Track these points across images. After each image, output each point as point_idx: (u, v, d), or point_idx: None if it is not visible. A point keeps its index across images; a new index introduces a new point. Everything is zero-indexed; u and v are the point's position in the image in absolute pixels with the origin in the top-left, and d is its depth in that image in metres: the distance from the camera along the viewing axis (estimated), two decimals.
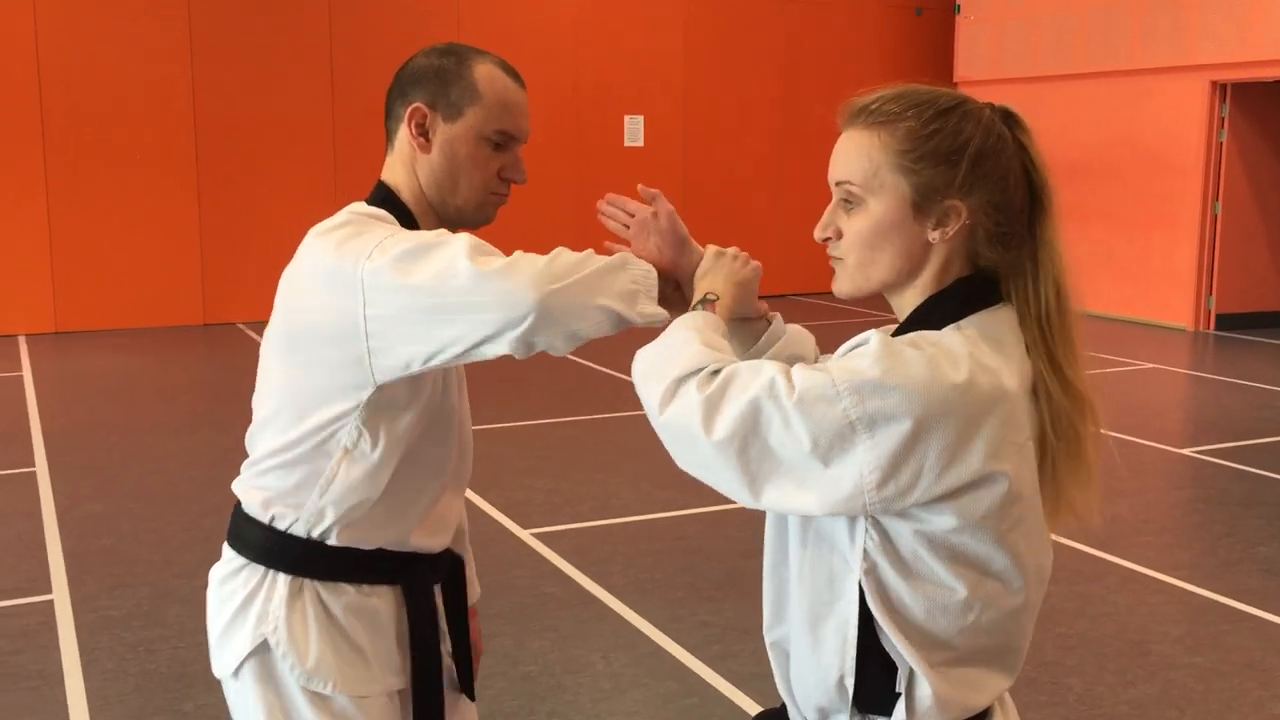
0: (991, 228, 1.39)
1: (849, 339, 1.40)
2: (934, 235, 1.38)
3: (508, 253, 1.69)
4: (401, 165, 1.86)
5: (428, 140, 1.82)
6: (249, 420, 1.83)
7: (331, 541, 1.73)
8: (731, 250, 1.67)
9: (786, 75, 12.79)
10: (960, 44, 12.42)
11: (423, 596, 1.82)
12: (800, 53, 12.83)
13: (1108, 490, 5.67)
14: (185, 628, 3.99)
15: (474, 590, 2.12)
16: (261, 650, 1.72)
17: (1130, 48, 10.87)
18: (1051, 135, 11.46)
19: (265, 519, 1.75)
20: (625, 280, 1.62)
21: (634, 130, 12.42)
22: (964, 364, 1.30)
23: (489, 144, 1.86)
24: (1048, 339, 1.38)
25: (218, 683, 1.83)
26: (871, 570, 1.33)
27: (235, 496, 1.84)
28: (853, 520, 1.33)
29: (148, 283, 10.61)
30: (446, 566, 1.90)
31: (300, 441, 1.71)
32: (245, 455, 1.84)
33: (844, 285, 1.43)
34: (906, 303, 1.43)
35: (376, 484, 1.72)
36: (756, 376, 1.31)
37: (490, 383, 8.50)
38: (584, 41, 11.97)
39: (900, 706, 1.35)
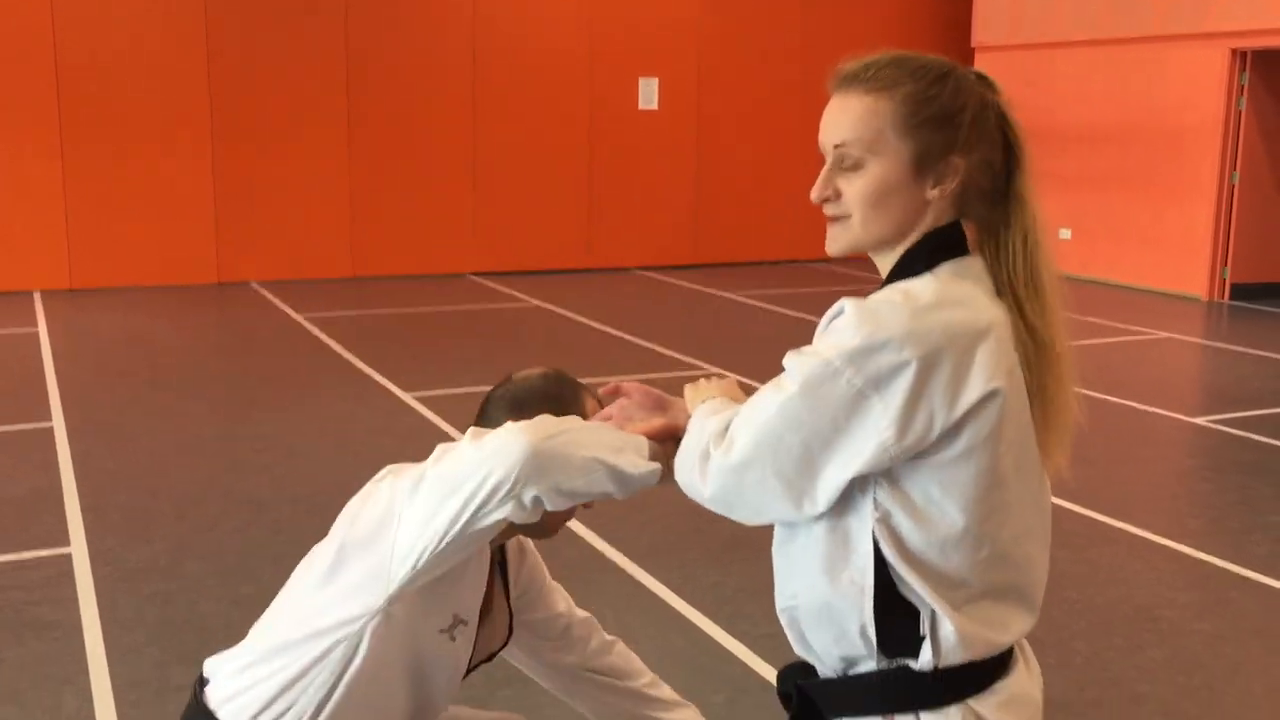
0: (984, 184, 1.47)
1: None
2: (933, 193, 1.46)
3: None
4: None
5: None
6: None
7: None
8: (702, 380, 1.71)
9: (803, 37, 12.70)
10: (978, 8, 12.31)
11: None
12: (817, 13, 12.73)
13: (1120, 457, 5.69)
14: (203, 581, 4.04)
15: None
16: None
17: (1150, 14, 10.76)
18: (1069, 102, 11.39)
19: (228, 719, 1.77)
20: (613, 437, 1.64)
21: (648, 93, 12.35)
22: (942, 302, 1.39)
23: None
24: (1015, 289, 1.46)
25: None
26: (884, 519, 1.38)
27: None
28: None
29: (162, 241, 10.63)
30: None
31: (298, 644, 1.73)
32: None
33: (841, 242, 1.49)
34: (887, 260, 1.50)
35: (348, 701, 1.73)
36: (754, 410, 1.40)
37: (508, 349, 8.53)
38: (598, 0, 11.89)
39: (927, 647, 1.39)
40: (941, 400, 1.34)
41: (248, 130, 10.77)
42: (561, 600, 2.17)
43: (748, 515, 1.45)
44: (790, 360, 1.40)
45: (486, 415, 1.86)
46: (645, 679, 2.19)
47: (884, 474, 1.37)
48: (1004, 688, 1.45)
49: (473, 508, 1.58)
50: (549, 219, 12.00)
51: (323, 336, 8.40)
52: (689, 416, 1.63)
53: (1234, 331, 9.31)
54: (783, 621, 1.53)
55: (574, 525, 4.61)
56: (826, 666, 1.48)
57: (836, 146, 1.46)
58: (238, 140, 10.75)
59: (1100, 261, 11.47)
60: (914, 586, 1.38)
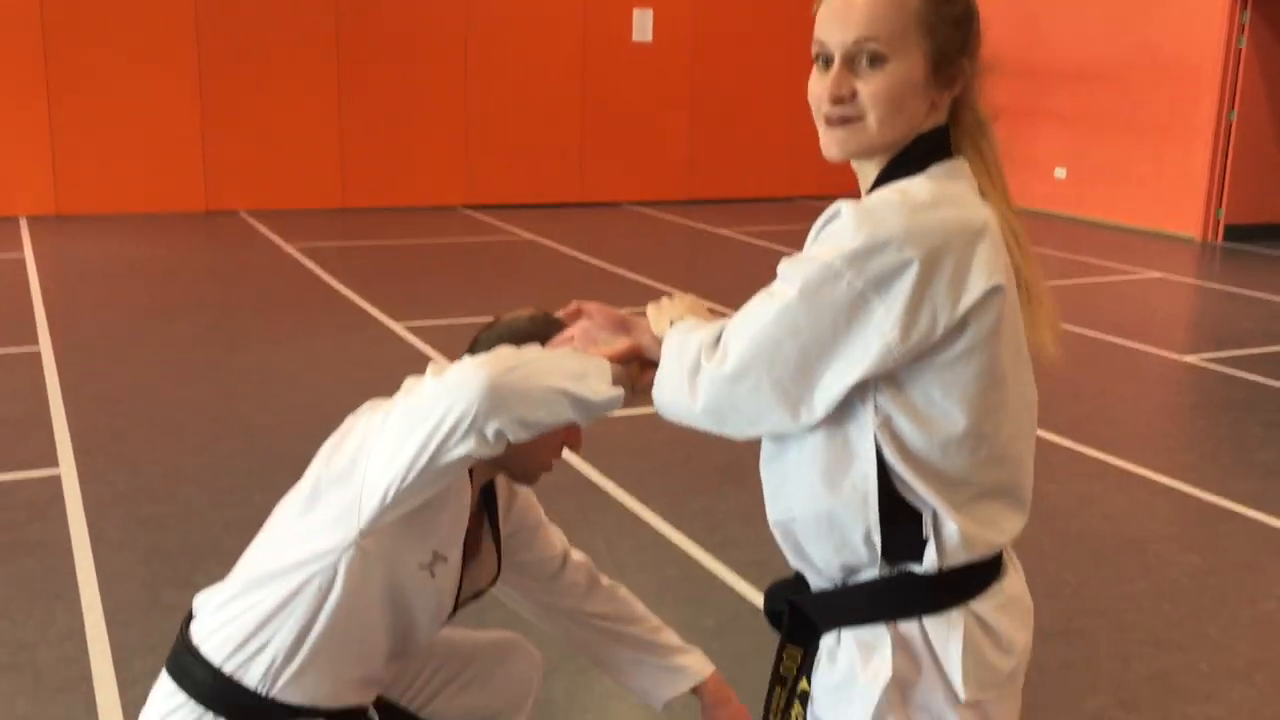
0: (974, 91, 1.47)
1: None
2: (942, 96, 1.44)
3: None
4: None
5: None
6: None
7: (275, 694, 1.75)
8: (665, 299, 1.68)
9: None
10: None
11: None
12: None
13: (1111, 394, 5.70)
14: (194, 504, 4.03)
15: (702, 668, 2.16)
16: None
17: None
18: (1066, 40, 11.27)
19: (216, 659, 1.76)
20: (574, 363, 1.61)
21: (643, 24, 12.18)
22: (942, 200, 1.37)
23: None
24: (998, 187, 1.46)
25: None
26: (886, 423, 1.37)
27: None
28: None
29: (149, 168, 10.52)
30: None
31: (274, 578, 1.72)
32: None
33: (851, 145, 1.44)
34: (873, 168, 1.47)
35: (329, 638, 1.73)
36: (747, 318, 1.37)
37: (499, 281, 8.49)
38: None
39: (931, 549, 1.38)
40: (945, 298, 1.32)
41: (236, 56, 10.62)
42: (557, 542, 2.15)
43: (741, 427, 1.41)
44: (786, 266, 1.37)
45: (474, 354, 1.84)
46: (648, 624, 2.17)
47: (885, 378, 1.35)
48: (1000, 590, 1.46)
49: (435, 443, 1.57)
50: (542, 152, 11.89)
51: (312, 266, 8.34)
52: (653, 337, 1.61)
53: (1227, 272, 9.30)
54: (776, 535, 1.51)
55: (565, 453, 4.60)
56: (824, 578, 1.47)
57: (857, 42, 1.40)
58: (226, 66, 10.60)
59: (1095, 202, 11.42)
60: (916, 489, 1.37)
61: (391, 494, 1.63)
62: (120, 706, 2.81)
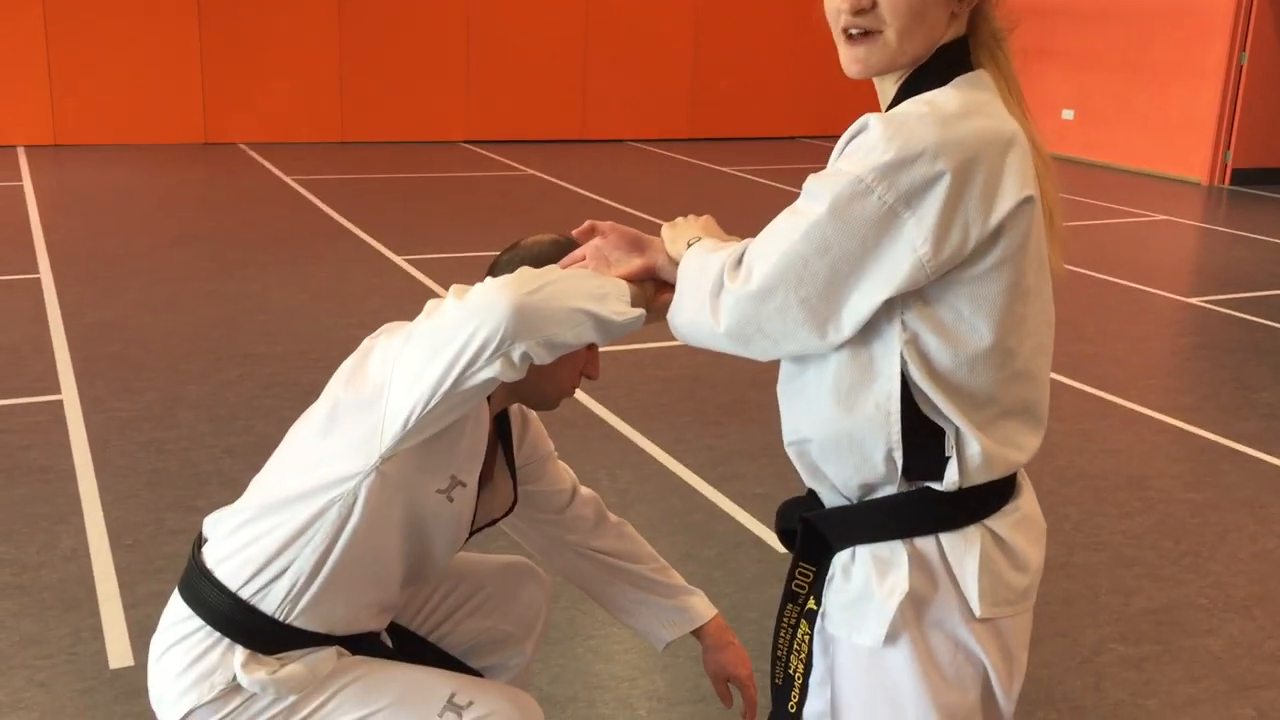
0: (992, 2, 1.43)
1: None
2: (959, 6, 1.39)
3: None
4: None
5: None
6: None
7: (292, 620, 1.72)
8: (680, 218, 1.65)
9: None
10: None
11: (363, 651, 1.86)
12: None
13: (1116, 335, 5.69)
14: (196, 430, 4.02)
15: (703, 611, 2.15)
16: (220, 693, 1.72)
17: None
18: None
19: (232, 584, 1.73)
20: (593, 284, 1.58)
21: None
22: (971, 110, 1.33)
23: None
24: (1017, 99, 1.43)
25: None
26: (912, 340, 1.34)
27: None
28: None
29: (148, 99, 10.41)
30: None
31: (293, 503, 1.69)
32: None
33: (872, 60, 1.39)
34: (894, 84, 1.43)
35: (347, 562, 1.70)
36: (772, 236, 1.34)
37: (500, 216, 8.44)
38: None
39: (952, 467, 1.37)
40: (977, 210, 1.29)
41: None
42: (566, 476, 2.14)
43: (765, 348, 1.37)
44: (813, 183, 1.33)
45: (499, 265, 1.81)
46: (654, 563, 2.16)
47: (913, 294, 1.32)
48: (1015, 508, 1.45)
49: (460, 366, 1.55)
50: (544, 88, 11.76)
51: (312, 198, 8.27)
52: (668, 257, 1.58)
53: (1233, 215, 9.25)
54: (792, 454, 1.49)
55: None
56: (840, 496, 1.46)
57: None
58: None
59: (1103, 144, 11.33)
60: (940, 407, 1.35)
61: (414, 419, 1.61)
62: (125, 627, 2.82)
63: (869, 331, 1.35)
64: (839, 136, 1.39)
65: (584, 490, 2.16)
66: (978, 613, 1.39)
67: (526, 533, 2.16)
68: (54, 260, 6.23)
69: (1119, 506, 3.76)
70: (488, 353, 1.53)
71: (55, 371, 4.57)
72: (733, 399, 4.58)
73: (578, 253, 1.68)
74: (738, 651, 2.15)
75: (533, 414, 2.09)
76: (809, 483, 1.50)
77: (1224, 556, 3.44)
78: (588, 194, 8.88)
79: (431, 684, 1.78)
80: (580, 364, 1.83)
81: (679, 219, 1.63)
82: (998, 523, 1.42)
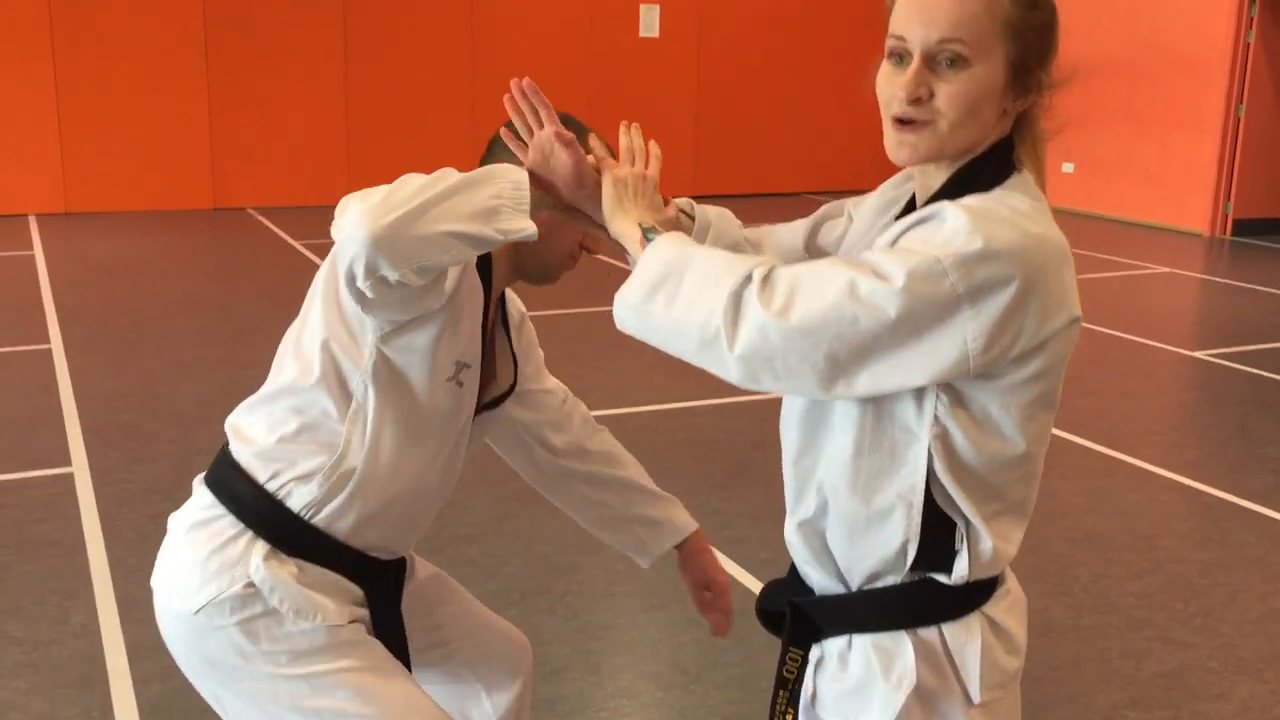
0: (1044, 103, 1.43)
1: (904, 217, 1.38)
2: (1013, 105, 1.39)
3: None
4: None
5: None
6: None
7: (316, 520, 1.73)
8: (630, 173, 1.60)
9: None
10: None
11: (386, 598, 1.85)
12: None
13: (1120, 390, 5.70)
14: None
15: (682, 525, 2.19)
16: (240, 589, 1.71)
17: None
18: (1075, 32, 11.21)
19: (259, 476, 1.74)
20: (484, 196, 1.51)
21: (649, 20, 12.17)
22: (1039, 220, 1.32)
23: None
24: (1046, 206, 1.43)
25: None
26: (942, 435, 1.34)
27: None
28: (921, 388, 1.33)
29: (157, 165, 10.53)
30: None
31: (312, 387, 1.71)
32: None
33: (922, 149, 1.37)
34: (941, 172, 1.41)
35: (371, 457, 1.72)
36: (825, 281, 1.28)
37: None
38: None
39: (962, 561, 1.37)
40: (1033, 320, 1.28)
41: (243, 54, 10.62)
42: (551, 380, 2.17)
43: (765, 382, 1.31)
44: (881, 255, 1.29)
45: (491, 153, 1.83)
46: (633, 469, 2.17)
47: (947, 389, 1.32)
48: (1006, 591, 1.46)
49: (352, 291, 1.56)
50: None
51: (320, 263, 8.34)
52: (605, 209, 1.56)
53: (1235, 267, 9.29)
54: (798, 535, 1.47)
55: None
56: (837, 581, 1.46)
57: (941, 42, 1.33)
58: (233, 64, 10.61)
59: (1103, 196, 11.40)
60: (958, 502, 1.35)
61: (371, 328, 1.64)
62: (135, 705, 2.82)
63: (897, 420, 1.35)
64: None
65: (567, 390, 2.19)
66: (976, 700, 1.39)
67: (516, 448, 2.14)
68: (65, 329, 6.29)
69: (1128, 567, 3.75)
70: (359, 279, 1.52)
71: (66, 443, 4.61)
72: (736, 461, 4.59)
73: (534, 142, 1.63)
74: (713, 559, 2.20)
75: (527, 320, 2.10)
76: (806, 565, 1.49)
77: (1234, 617, 3.43)
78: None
79: (424, 709, 1.77)
80: (578, 235, 1.85)
81: (620, 175, 1.58)
82: (993, 608, 1.43)
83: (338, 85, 11.03)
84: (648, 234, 1.47)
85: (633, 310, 1.38)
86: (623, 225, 1.51)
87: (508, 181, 1.54)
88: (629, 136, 1.68)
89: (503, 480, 4.21)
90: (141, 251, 8.69)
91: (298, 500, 1.72)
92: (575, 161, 1.59)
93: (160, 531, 3.75)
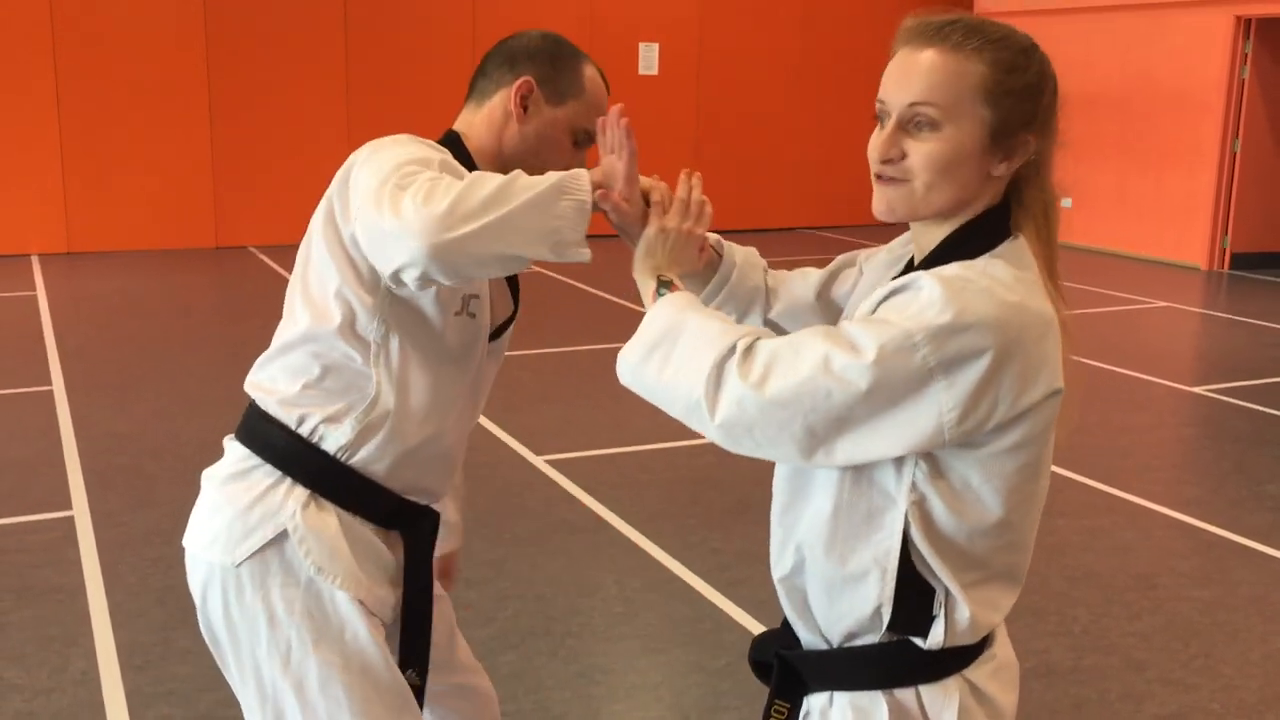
0: (1042, 167, 1.45)
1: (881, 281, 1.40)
2: (1000, 168, 1.41)
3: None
4: (486, 124, 1.91)
5: (526, 113, 1.86)
6: (264, 340, 1.84)
7: (353, 462, 1.74)
8: (675, 229, 1.65)
9: (805, 5, 12.61)
10: None
11: (422, 548, 1.86)
12: None
13: (1119, 426, 5.70)
14: None
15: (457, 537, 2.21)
16: (278, 541, 1.72)
17: None
18: (1071, 69, 11.30)
19: (290, 422, 1.75)
20: (550, 218, 1.53)
21: (649, 58, 12.27)
22: (1018, 290, 1.33)
23: (573, 138, 1.89)
24: (1053, 275, 1.43)
25: None
26: (919, 502, 1.35)
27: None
28: (901, 456, 1.35)
29: (160, 205, 10.59)
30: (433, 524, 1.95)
31: (331, 333, 1.73)
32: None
33: (897, 208, 1.41)
34: (936, 233, 1.44)
35: (400, 395, 1.74)
36: (801, 355, 1.30)
37: None
38: None
39: (938, 627, 1.38)
40: (1008, 391, 1.29)
41: (245, 94, 10.71)
42: None
43: (746, 448, 1.34)
44: (856, 328, 1.31)
45: (484, 71, 1.88)
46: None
47: (926, 458, 1.33)
48: (991, 655, 1.46)
49: (390, 280, 1.58)
50: None
51: None
52: (638, 252, 1.60)
53: (1233, 301, 9.31)
54: (780, 589, 1.49)
55: (573, 489, 4.63)
56: (820, 638, 1.47)
57: (912, 105, 1.37)
58: (235, 104, 10.69)
59: (1101, 231, 11.45)
60: (935, 569, 1.36)
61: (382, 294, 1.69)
62: None
63: (876, 485, 1.37)
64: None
65: None
66: None
67: None
68: (66, 370, 6.31)
69: (1128, 607, 3.75)
70: (410, 283, 1.54)
71: (67, 486, 4.62)
72: (738, 500, 4.59)
73: (594, 172, 1.66)
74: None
75: None
76: (792, 619, 1.51)
77: (1235, 658, 3.42)
78: (588, 288, 8.97)
79: None
80: (572, 160, 1.89)
81: (666, 227, 1.65)
82: (976, 673, 1.43)
83: (340, 124, 11.10)
84: (660, 289, 1.51)
85: (630, 369, 1.43)
86: (642, 274, 1.56)
87: (573, 199, 1.57)
88: (687, 186, 1.73)
89: (501, 523, 4.22)
90: (144, 291, 8.72)
91: (332, 443, 1.74)
92: (619, 212, 1.67)
93: (160, 575, 3.78)
